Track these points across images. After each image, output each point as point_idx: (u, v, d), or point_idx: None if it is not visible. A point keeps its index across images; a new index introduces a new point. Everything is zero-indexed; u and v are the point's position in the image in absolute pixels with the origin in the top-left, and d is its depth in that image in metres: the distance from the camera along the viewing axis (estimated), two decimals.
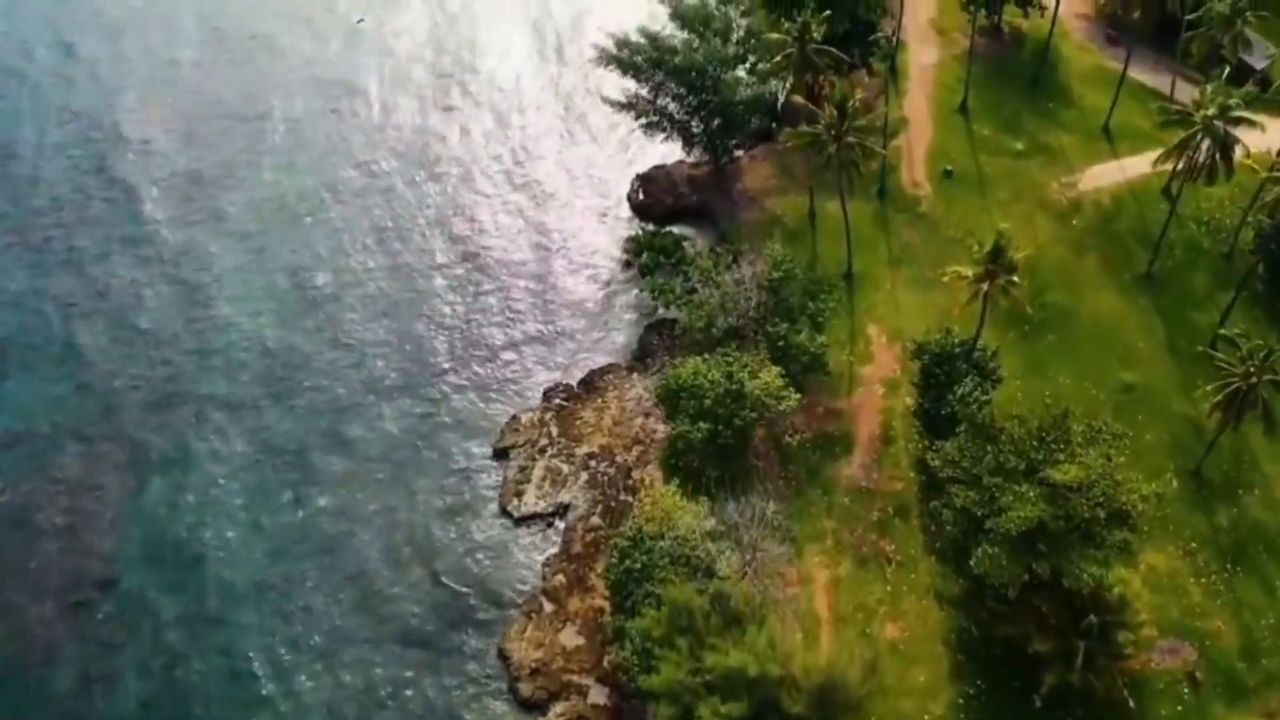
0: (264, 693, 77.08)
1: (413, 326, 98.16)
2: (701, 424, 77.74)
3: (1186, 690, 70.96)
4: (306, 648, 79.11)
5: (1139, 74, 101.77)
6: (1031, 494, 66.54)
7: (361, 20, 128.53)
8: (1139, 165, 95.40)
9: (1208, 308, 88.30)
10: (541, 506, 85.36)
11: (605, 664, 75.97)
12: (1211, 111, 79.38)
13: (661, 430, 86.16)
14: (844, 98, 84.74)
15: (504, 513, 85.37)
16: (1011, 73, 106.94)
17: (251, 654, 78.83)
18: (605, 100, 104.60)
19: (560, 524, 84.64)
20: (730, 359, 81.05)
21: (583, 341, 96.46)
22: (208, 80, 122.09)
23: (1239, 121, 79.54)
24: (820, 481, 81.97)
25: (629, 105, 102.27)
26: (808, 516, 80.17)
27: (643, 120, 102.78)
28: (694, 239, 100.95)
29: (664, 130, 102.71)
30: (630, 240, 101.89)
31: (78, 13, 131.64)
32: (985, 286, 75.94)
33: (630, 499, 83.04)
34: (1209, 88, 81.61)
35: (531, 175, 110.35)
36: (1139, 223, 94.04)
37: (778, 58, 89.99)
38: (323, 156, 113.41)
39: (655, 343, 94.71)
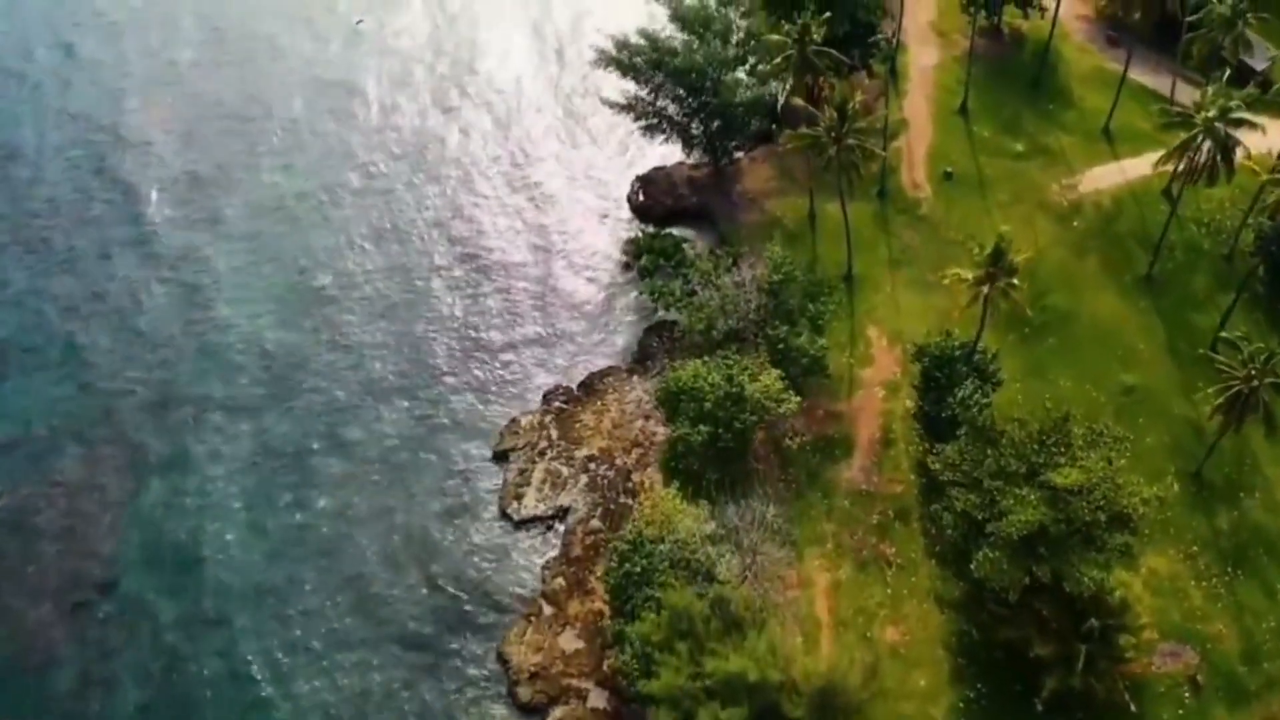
0: (262, 695, 76.96)
1: (412, 328, 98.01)
2: (701, 427, 77.60)
3: (1188, 694, 70.85)
4: (305, 650, 78.98)
5: (1139, 75, 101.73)
6: (1032, 497, 66.50)
7: (361, 21, 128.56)
8: (1139, 167, 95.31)
9: (1208, 310, 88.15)
10: (541, 509, 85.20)
11: (605, 668, 75.75)
12: (1212, 113, 79.32)
13: (661, 433, 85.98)
14: (844, 99, 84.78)
15: (503, 515, 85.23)
16: (1012, 74, 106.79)
17: (250, 656, 78.72)
18: (605, 102, 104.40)
19: (560, 527, 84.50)
20: (730, 361, 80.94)
21: (582, 344, 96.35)
22: (207, 81, 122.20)
23: (1240, 123, 79.49)
24: (820, 484, 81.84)
25: (629, 107, 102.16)
26: (808, 520, 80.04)
27: (642, 122, 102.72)
28: (694, 241, 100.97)
29: (664, 132, 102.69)
30: (630, 242, 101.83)
31: (78, 13, 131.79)
32: (985, 289, 75.84)
33: (630, 502, 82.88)
34: (1210, 89, 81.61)
35: (531, 177, 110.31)
36: (1139, 224, 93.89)
37: (777, 59, 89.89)
38: (322, 158, 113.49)
39: (655, 345, 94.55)
